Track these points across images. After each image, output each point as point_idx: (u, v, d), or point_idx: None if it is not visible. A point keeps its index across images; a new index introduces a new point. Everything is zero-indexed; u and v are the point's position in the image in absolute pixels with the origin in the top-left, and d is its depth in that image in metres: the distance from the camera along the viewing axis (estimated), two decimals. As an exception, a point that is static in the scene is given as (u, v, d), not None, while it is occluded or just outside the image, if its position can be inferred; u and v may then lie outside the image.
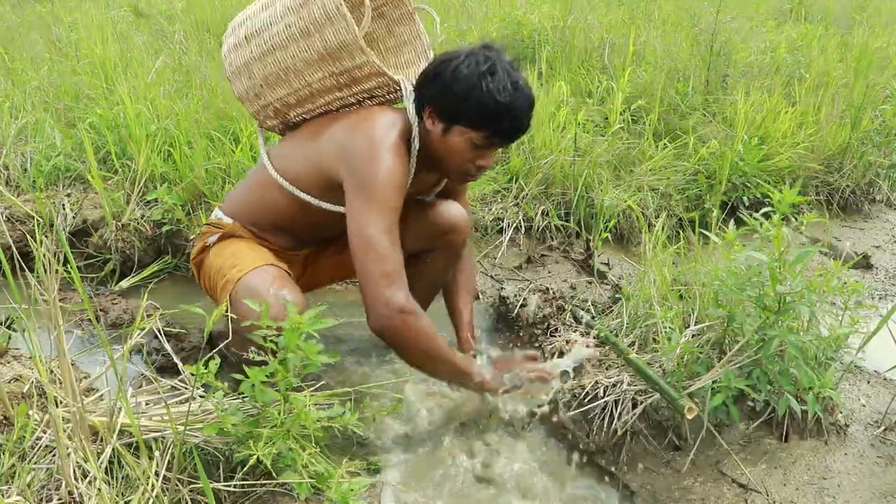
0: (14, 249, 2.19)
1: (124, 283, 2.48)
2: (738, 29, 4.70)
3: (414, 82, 1.75)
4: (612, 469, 1.71)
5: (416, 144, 1.72)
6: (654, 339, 1.98)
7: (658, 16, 6.19)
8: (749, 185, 3.14)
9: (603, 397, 1.74)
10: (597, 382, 1.79)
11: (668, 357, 1.71)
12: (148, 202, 2.64)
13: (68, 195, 2.70)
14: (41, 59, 4.04)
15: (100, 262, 2.56)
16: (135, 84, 3.31)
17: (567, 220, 2.94)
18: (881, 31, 8.29)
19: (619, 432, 1.73)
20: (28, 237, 2.50)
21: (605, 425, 1.75)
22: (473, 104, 1.59)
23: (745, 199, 3.15)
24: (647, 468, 1.69)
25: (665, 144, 3.30)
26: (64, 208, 2.60)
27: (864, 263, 3.03)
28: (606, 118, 3.44)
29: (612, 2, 6.67)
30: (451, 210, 1.99)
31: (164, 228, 2.56)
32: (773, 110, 3.45)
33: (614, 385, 1.75)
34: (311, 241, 1.98)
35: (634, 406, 1.72)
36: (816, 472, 1.70)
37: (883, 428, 1.84)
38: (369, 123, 1.67)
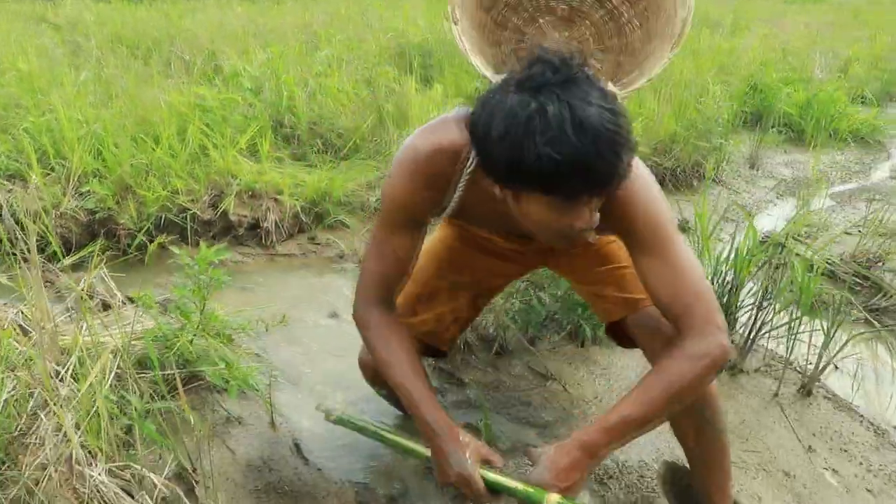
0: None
1: (66, 261, 2.95)
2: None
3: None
4: (453, 371, 2.31)
5: (469, 166, 1.38)
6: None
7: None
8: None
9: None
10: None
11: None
12: (82, 193, 3.11)
13: (10, 190, 3.13)
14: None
15: (42, 245, 3.01)
16: (62, 94, 3.74)
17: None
18: (744, 30, 9.26)
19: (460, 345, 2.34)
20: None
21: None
22: (526, 170, 1.15)
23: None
24: (476, 367, 2.30)
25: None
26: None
27: (684, 227, 3.76)
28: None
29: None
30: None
31: (97, 215, 3.04)
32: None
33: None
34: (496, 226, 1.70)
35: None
36: (600, 365, 2.36)
37: (653, 335, 2.52)
38: (414, 134, 1.46)
